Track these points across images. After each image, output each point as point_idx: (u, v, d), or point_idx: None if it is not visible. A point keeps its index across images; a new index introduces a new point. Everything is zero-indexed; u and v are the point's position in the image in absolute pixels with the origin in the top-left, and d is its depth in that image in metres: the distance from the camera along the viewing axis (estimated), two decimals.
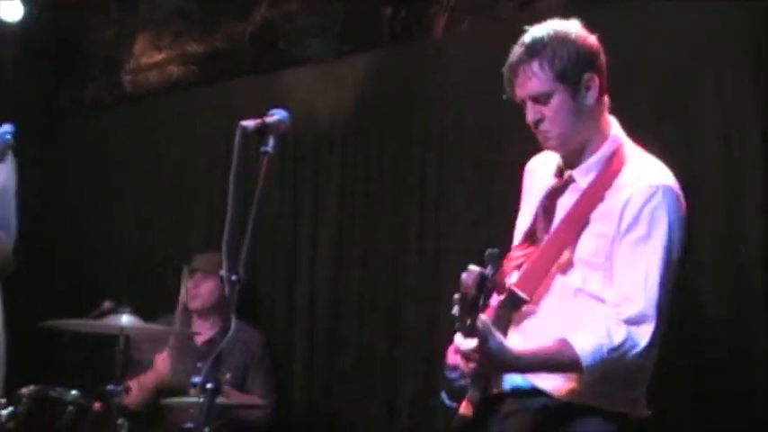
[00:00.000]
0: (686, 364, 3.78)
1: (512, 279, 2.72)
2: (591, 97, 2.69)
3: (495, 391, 2.70)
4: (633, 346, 2.53)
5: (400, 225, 4.83)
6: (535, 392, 2.66)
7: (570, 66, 2.65)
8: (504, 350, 2.50)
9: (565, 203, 2.74)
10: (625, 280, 2.59)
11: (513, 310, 2.69)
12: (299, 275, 5.19)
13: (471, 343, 2.45)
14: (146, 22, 6.13)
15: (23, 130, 2.86)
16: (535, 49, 2.65)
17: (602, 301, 2.63)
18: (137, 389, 4.94)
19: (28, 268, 4.51)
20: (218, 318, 5.14)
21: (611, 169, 2.69)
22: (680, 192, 2.68)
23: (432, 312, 4.47)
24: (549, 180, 2.83)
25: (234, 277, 2.43)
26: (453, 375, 2.74)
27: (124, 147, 6.08)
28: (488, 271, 2.44)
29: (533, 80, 2.66)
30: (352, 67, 5.18)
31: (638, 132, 2.83)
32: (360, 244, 5.01)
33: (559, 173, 2.80)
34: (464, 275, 2.43)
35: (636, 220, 2.59)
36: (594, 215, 2.66)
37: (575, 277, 2.66)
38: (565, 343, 2.53)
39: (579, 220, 2.67)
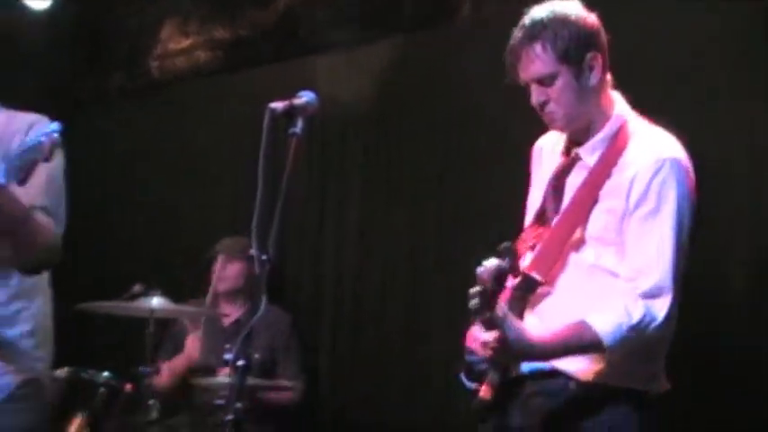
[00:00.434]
0: (709, 345, 3.80)
1: (525, 261, 2.73)
2: (594, 77, 2.70)
3: (514, 374, 2.70)
4: (652, 321, 2.54)
5: (421, 210, 4.87)
6: (555, 374, 2.66)
7: (573, 46, 2.66)
8: (523, 339, 2.52)
9: (573, 182, 2.75)
10: (638, 254, 2.59)
11: (528, 292, 2.70)
12: (324, 258, 5.24)
13: (491, 334, 2.49)
14: (172, 8, 6.17)
15: (49, 118, 2.88)
16: (536, 31, 2.66)
17: (616, 275, 2.63)
18: (167, 371, 5.03)
19: None
20: (245, 299, 5.20)
21: (616, 146, 2.69)
22: (689, 163, 2.68)
23: (453, 295, 4.50)
24: (557, 159, 2.83)
25: (264, 257, 2.46)
26: (473, 359, 2.75)
27: (150, 134, 6.12)
28: (505, 264, 2.48)
29: (537, 62, 2.67)
30: (374, 53, 5.19)
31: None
32: (383, 227, 5.05)
33: (567, 152, 2.81)
34: (480, 270, 2.45)
35: (645, 194, 2.60)
36: (603, 192, 2.67)
37: (588, 254, 2.67)
38: (584, 325, 2.54)
39: (588, 197, 2.68)
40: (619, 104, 2.78)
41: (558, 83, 2.67)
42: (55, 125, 2.48)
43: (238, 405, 2.40)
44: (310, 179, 5.30)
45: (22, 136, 2.80)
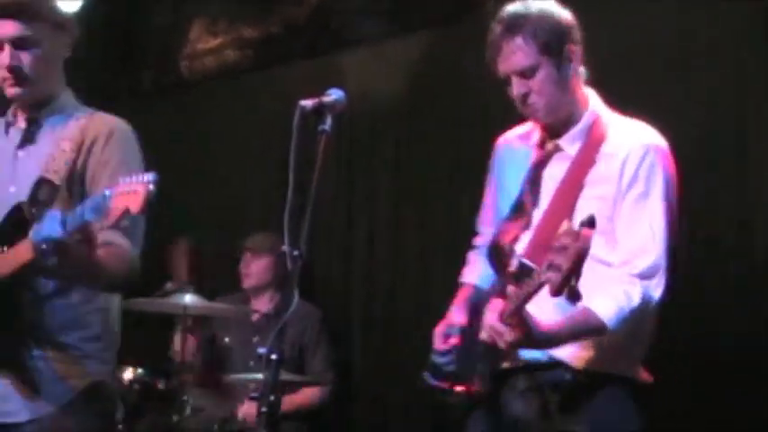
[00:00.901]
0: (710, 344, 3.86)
1: (519, 249, 2.76)
2: (573, 68, 2.76)
3: (505, 365, 2.73)
4: (650, 301, 2.59)
5: (453, 204, 4.86)
6: (550, 365, 2.69)
7: (553, 39, 2.71)
8: (539, 328, 2.53)
9: (552, 173, 2.79)
10: (631, 236, 2.64)
11: (520, 280, 2.67)
12: (354, 253, 5.26)
13: (511, 323, 2.49)
14: (201, 8, 6.22)
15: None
16: (517, 24, 2.71)
17: (607, 264, 2.66)
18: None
19: None
20: (273, 295, 5.24)
21: (595, 136, 2.75)
22: (668, 150, 2.74)
23: None
24: (528, 153, 2.88)
25: (296, 252, 2.48)
26: (443, 360, 2.84)
27: (181, 132, 6.17)
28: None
29: (518, 54, 2.71)
30: (405, 48, 5.21)
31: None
32: (413, 222, 5.06)
33: (542, 144, 2.85)
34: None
35: (635, 178, 2.66)
36: (589, 179, 2.71)
37: None
38: (588, 311, 2.56)
39: (574, 186, 2.72)
40: (592, 98, 2.84)
41: (540, 74, 2.72)
42: (150, 176, 2.36)
43: (272, 398, 2.41)
44: (339, 175, 5.32)
45: (102, 142, 2.79)
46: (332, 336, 5.18)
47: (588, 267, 2.57)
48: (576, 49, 2.76)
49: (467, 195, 4.83)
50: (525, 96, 2.75)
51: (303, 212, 2.51)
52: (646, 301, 2.58)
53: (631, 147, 2.68)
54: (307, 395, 5.02)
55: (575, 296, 2.29)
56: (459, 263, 4.79)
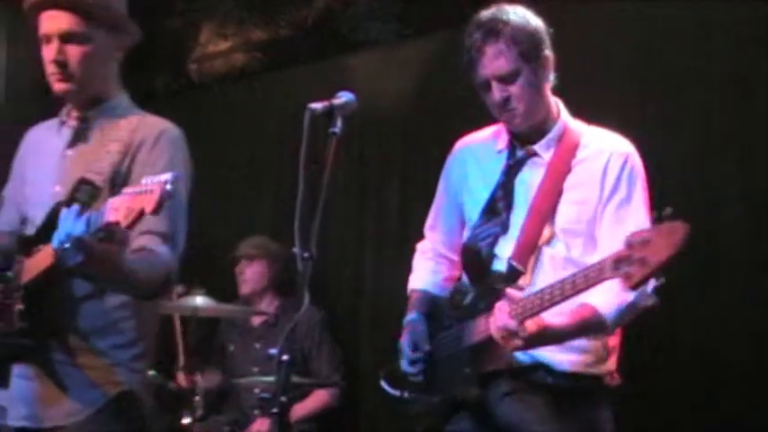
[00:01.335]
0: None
1: (499, 253, 2.79)
2: (548, 76, 2.80)
3: (490, 368, 2.76)
4: (643, 295, 2.61)
5: None
6: (532, 367, 2.73)
7: (532, 45, 2.75)
8: (549, 328, 2.55)
9: (527, 178, 2.83)
10: (616, 239, 2.58)
11: (508, 282, 2.74)
12: (365, 254, 5.27)
13: (528, 321, 2.52)
14: (210, 11, 6.23)
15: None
16: (498, 29, 2.74)
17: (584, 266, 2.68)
18: None
19: None
20: (272, 298, 5.24)
21: (568, 142, 2.81)
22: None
23: None
24: (494, 157, 2.92)
25: (306, 254, 2.49)
26: (413, 369, 2.89)
27: (191, 135, 6.17)
28: None
29: (501, 59, 2.74)
30: (414, 50, 5.22)
31: (626, 131, 2.90)
32: (422, 225, 5.06)
33: (511, 150, 2.88)
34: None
35: (617, 183, 2.73)
36: (568, 184, 2.77)
37: (559, 247, 2.75)
38: (588, 308, 2.60)
39: (553, 191, 2.77)
40: (561, 105, 2.89)
41: (521, 80, 2.75)
42: (169, 176, 2.26)
43: (283, 399, 2.43)
44: (349, 178, 5.33)
45: (149, 144, 2.76)
46: (339, 336, 5.19)
47: (570, 269, 2.62)
48: (550, 56, 2.81)
49: None
50: (506, 101, 2.77)
51: (313, 214, 2.52)
52: (642, 296, 2.61)
53: (611, 153, 2.76)
54: (316, 400, 5.03)
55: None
56: None
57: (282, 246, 4.98)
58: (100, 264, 2.46)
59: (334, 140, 2.59)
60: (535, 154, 2.84)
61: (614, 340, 2.81)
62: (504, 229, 2.81)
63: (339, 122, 2.60)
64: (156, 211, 2.24)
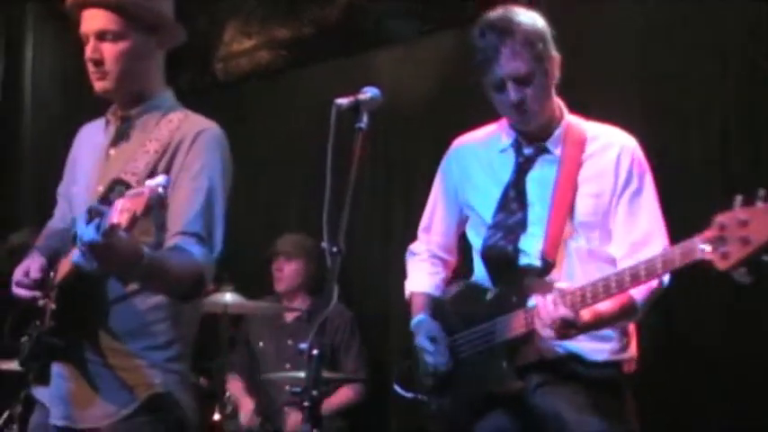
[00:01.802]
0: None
1: (525, 249, 2.80)
2: (556, 76, 2.83)
3: (523, 362, 2.78)
4: (663, 281, 2.67)
5: None
6: (566, 359, 2.77)
7: (543, 47, 2.78)
8: (598, 315, 2.62)
9: (539, 175, 2.85)
10: (633, 230, 2.75)
11: (542, 276, 2.78)
12: (392, 249, 5.28)
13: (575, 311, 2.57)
14: (234, 10, 6.26)
15: None
16: (511, 30, 2.75)
17: (609, 256, 2.77)
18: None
19: None
20: (305, 296, 5.27)
21: (575, 138, 2.84)
22: None
23: None
24: (499, 156, 2.94)
25: (335, 249, 2.50)
26: (439, 360, 2.90)
27: None
28: None
29: (518, 61, 2.75)
30: (437, 46, 5.22)
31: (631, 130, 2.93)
32: None
33: (518, 148, 2.90)
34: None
35: (629, 175, 2.78)
36: (582, 178, 2.80)
37: (581, 240, 2.79)
38: (626, 294, 2.63)
39: (570, 185, 2.80)
40: (561, 102, 2.92)
41: (535, 81, 2.77)
42: (161, 179, 2.25)
43: (315, 393, 2.44)
44: (375, 172, 5.34)
45: (187, 145, 2.73)
46: (368, 334, 5.22)
47: (594, 260, 2.73)
48: (557, 57, 2.84)
49: None
50: (521, 103, 2.78)
51: (341, 209, 2.53)
52: (662, 286, 2.67)
53: (621, 146, 2.81)
54: (343, 395, 5.06)
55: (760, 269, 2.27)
56: None
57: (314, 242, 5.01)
58: (118, 266, 2.42)
59: (360, 135, 2.61)
60: (546, 150, 2.86)
61: (631, 326, 2.84)
62: (523, 225, 2.83)
63: (365, 117, 2.61)
64: (145, 214, 2.23)
